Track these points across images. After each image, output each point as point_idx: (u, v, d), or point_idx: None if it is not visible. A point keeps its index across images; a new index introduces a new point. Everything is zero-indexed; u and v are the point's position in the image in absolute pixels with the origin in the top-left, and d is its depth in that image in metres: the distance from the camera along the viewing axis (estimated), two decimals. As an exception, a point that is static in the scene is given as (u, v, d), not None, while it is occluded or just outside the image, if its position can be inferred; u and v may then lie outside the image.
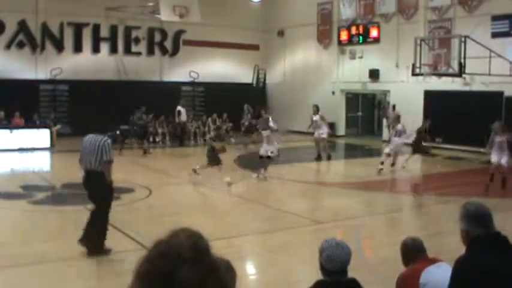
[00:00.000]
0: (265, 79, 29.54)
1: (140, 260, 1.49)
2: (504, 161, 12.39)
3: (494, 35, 18.63)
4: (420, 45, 17.70)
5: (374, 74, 23.56)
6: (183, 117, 21.93)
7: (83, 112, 22.73)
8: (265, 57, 29.35)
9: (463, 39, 16.71)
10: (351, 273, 3.57)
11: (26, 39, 23.24)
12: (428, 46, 18.77)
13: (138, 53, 25.89)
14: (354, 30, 24.38)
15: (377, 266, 7.23)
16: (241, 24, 27.50)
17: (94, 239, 7.35)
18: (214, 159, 13.34)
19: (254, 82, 29.10)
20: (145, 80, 25.29)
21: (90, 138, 7.74)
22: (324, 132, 17.59)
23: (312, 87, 26.41)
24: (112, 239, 8.20)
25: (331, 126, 21.89)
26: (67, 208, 10.58)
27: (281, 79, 28.92)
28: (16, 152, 18.59)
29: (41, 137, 19.83)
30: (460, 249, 3.17)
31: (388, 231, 9.31)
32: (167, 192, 12.92)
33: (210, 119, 23.47)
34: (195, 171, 13.56)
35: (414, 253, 4.20)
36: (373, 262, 7.47)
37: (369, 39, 23.73)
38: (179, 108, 22.02)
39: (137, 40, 25.83)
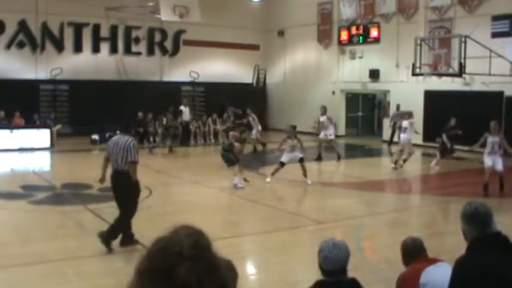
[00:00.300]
0: (265, 79, 29.54)
1: (141, 257, 1.48)
2: (500, 166, 11.96)
3: (495, 35, 18.63)
4: (420, 45, 17.70)
5: (374, 74, 23.56)
6: (185, 116, 21.91)
7: (83, 112, 22.77)
8: (266, 57, 29.36)
9: (463, 39, 16.71)
10: (351, 273, 3.57)
11: (26, 39, 23.25)
12: (429, 46, 18.77)
13: (138, 53, 25.90)
14: (354, 30, 24.38)
15: (377, 266, 7.23)
16: (241, 24, 27.51)
17: (119, 231, 7.69)
18: (229, 159, 12.88)
19: (254, 82, 29.10)
20: (146, 80, 25.29)
21: (116, 138, 7.92)
22: (331, 133, 17.69)
23: (312, 87, 26.42)
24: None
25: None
26: (67, 208, 10.58)
27: (281, 79, 28.92)
28: (16, 152, 18.59)
29: (41, 137, 19.83)
30: (460, 249, 3.17)
31: (388, 231, 9.31)
32: (167, 192, 12.93)
33: (210, 119, 23.47)
34: (245, 179, 13.10)
35: (414, 253, 4.20)
36: (373, 262, 7.47)
37: (369, 39, 23.73)
38: (181, 107, 22.05)
39: (137, 40, 25.84)
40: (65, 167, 16.26)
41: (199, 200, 11.94)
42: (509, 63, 17.69)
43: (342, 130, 25.53)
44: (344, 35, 24.87)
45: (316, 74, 26.45)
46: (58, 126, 21.26)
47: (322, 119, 17.80)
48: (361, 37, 24.07)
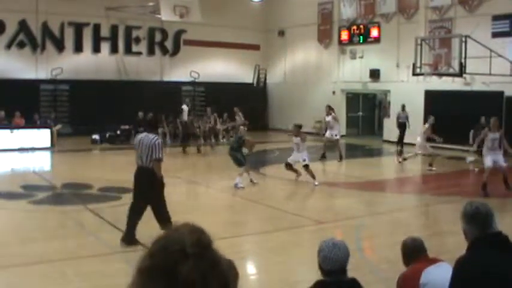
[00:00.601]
0: (265, 79, 29.54)
1: (142, 255, 1.48)
2: (502, 162, 11.89)
3: (495, 35, 18.63)
4: (421, 45, 17.70)
5: (374, 74, 23.55)
6: (186, 116, 21.87)
7: (83, 112, 22.79)
8: (266, 57, 29.35)
9: (463, 39, 16.71)
10: (351, 273, 3.56)
11: (27, 39, 23.26)
12: (429, 46, 18.77)
13: (139, 53, 25.91)
14: (354, 30, 24.38)
15: (377, 266, 7.22)
16: (241, 24, 27.51)
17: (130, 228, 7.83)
18: (238, 160, 12.73)
19: (255, 82, 29.11)
20: (146, 80, 25.30)
21: (142, 137, 8.06)
22: (337, 132, 17.71)
23: (312, 87, 26.42)
24: (112, 239, 8.21)
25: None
26: (67, 208, 10.57)
27: (282, 79, 28.92)
28: (16, 151, 18.59)
29: (42, 136, 19.83)
30: (461, 249, 3.16)
31: (388, 231, 9.30)
32: (168, 192, 12.88)
33: (212, 117, 23.41)
34: (251, 181, 12.92)
35: (415, 253, 4.20)
36: (373, 262, 7.46)
37: (369, 39, 23.72)
38: (183, 106, 22.05)
39: (138, 40, 25.85)
40: (65, 167, 16.26)
41: (199, 200, 11.95)
42: (510, 63, 17.68)
43: (342, 130, 25.45)
44: (344, 35, 24.87)
45: (316, 74, 26.44)
46: (58, 126, 21.26)
47: (328, 118, 17.83)
48: (361, 37, 24.06)
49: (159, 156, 7.81)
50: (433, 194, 12.70)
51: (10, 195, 11.66)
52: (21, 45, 23.17)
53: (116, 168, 15.80)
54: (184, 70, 26.55)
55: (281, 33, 28.36)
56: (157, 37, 26.41)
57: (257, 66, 28.98)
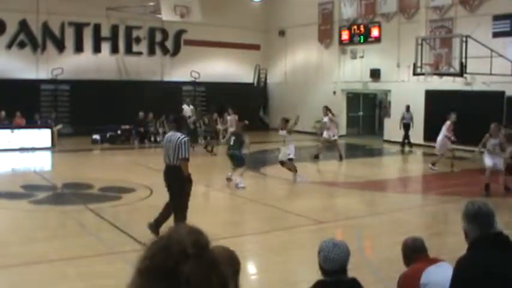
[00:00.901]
0: (266, 79, 29.54)
1: (140, 256, 1.48)
2: (501, 166, 11.99)
3: (496, 35, 18.60)
4: (421, 44, 17.69)
5: (375, 74, 23.54)
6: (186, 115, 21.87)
7: (84, 112, 22.79)
8: (266, 57, 29.35)
9: (464, 38, 16.70)
10: (352, 273, 3.56)
11: (27, 39, 23.27)
12: (430, 46, 18.76)
13: (139, 53, 25.91)
14: (354, 30, 24.37)
15: (377, 266, 7.21)
16: (242, 24, 27.51)
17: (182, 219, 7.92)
18: (238, 159, 12.70)
19: (255, 82, 29.11)
20: (146, 80, 25.31)
21: (169, 136, 8.25)
22: (334, 133, 17.70)
23: (313, 87, 26.41)
24: (113, 239, 8.22)
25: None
26: (68, 208, 10.58)
27: (282, 79, 28.92)
28: (17, 151, 18.60)
29: (42, 136, 19.83)
30: (461, 249, 3.15)
31: (389, 231, 9.29)
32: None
33: (213, 117, 23.42)
34: (228, 178, 12.90)
35: (415, 253, 4.19)
36: (374, 262, 7.46)
37: (370, 39, 23.71)
38: (183, 106, 22.08)
39: (138, 40, 25.85)
40: (66, 167, 16.26)
41: (199, 199, 11.91)
42: (510, 63, 17.66)
43: (342, 130, 25.47)
44: (345, 35, 24.86)
45: (317, 73, 26.44)
46: (59, 126, 21.27)
47: (325, 119, 17.83)
48: (362, 37, 24.05)
49: (185, 155, 7.96)
50: (433, 193, 12.69)
51: (11, 195, 11.67)
52: (21, 45, 23.18)
53: (117, 168, 15.83)
54: (185, 70, 26.56)
55: (281, 33, 28.36)
56: (158, 37, 26.41)
57: (257, 66, 28.98)
